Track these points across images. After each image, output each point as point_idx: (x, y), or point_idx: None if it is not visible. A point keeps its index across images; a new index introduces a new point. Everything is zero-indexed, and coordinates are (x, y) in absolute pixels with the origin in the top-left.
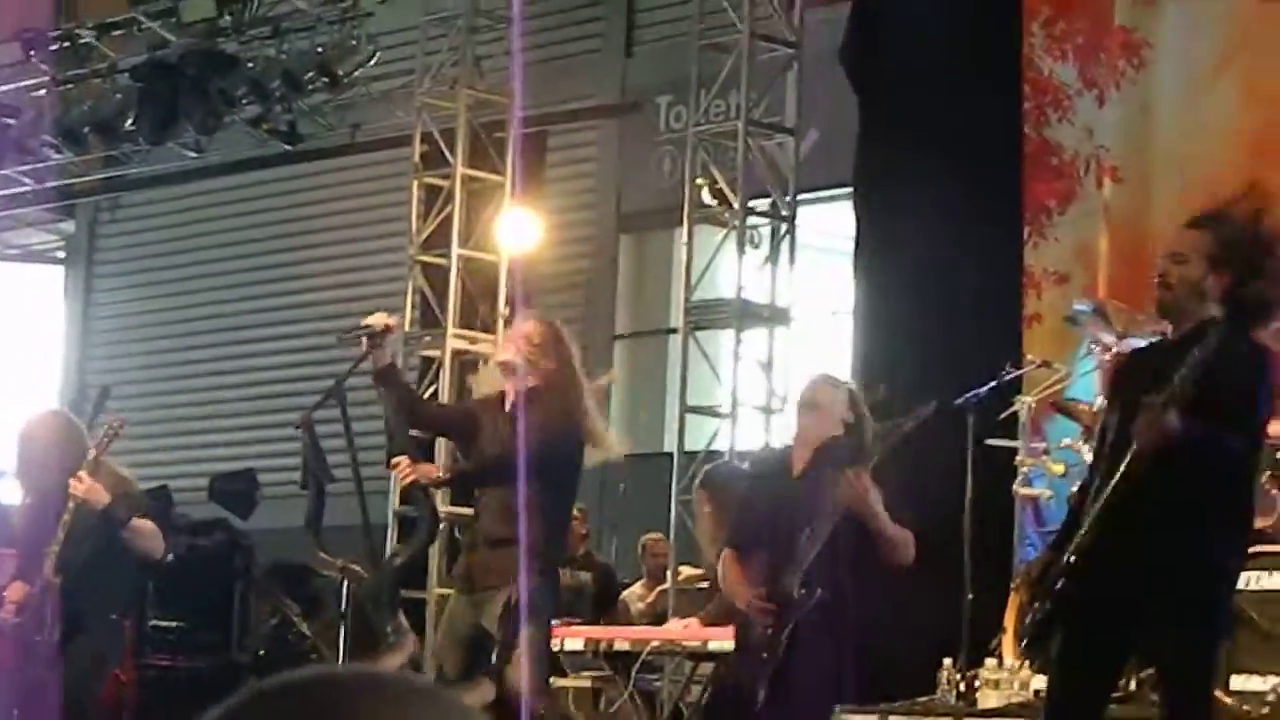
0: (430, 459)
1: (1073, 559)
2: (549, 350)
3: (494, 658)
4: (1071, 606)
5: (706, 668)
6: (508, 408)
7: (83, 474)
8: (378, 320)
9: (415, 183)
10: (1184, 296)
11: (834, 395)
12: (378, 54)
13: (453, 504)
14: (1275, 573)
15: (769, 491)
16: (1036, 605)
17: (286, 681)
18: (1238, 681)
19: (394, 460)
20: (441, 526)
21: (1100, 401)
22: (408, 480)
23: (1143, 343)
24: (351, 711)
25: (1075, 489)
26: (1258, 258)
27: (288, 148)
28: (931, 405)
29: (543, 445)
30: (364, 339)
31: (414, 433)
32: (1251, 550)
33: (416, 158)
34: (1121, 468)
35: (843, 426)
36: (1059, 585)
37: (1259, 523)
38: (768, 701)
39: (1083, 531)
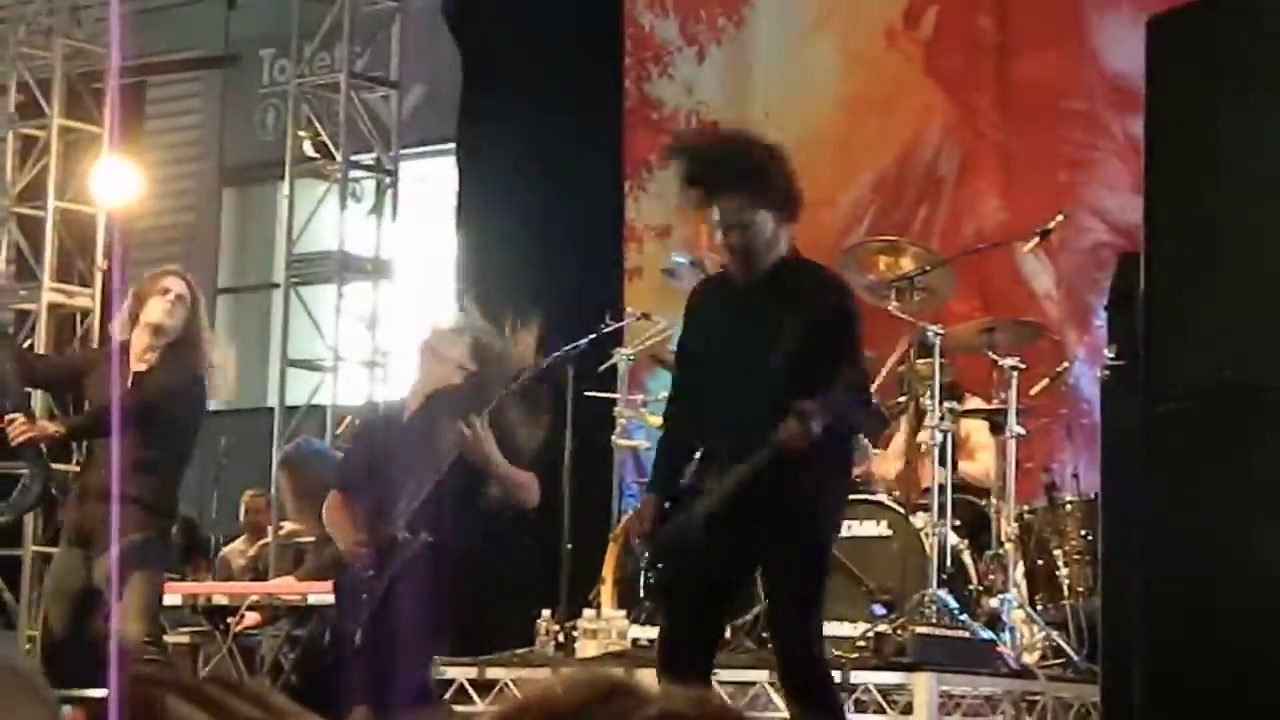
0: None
1: (693, 512)
2: (191, 307)
3: (103, 612)
4: (689, 552)
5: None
6: (134, 361)
7: None
8: None
9: (10, 133)
10: (763, 255)
11: (454, 343)
12: None
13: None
14: (866, 521)
15: (377, 436)
16: (652, 556)
17: None
18: (830, 627)
19: (8, 417)
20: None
21: None
22: (25, 437)
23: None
24: None
25: (662, 422)
26: (788, 178)
27: None
28: (549, 357)
29: (168, 400)
30: None
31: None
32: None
33: (12, 108)
34: (753, 458)
35: (461, 375)
36: (674, 535)
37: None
38: (365, 645)
39: (706, 493)
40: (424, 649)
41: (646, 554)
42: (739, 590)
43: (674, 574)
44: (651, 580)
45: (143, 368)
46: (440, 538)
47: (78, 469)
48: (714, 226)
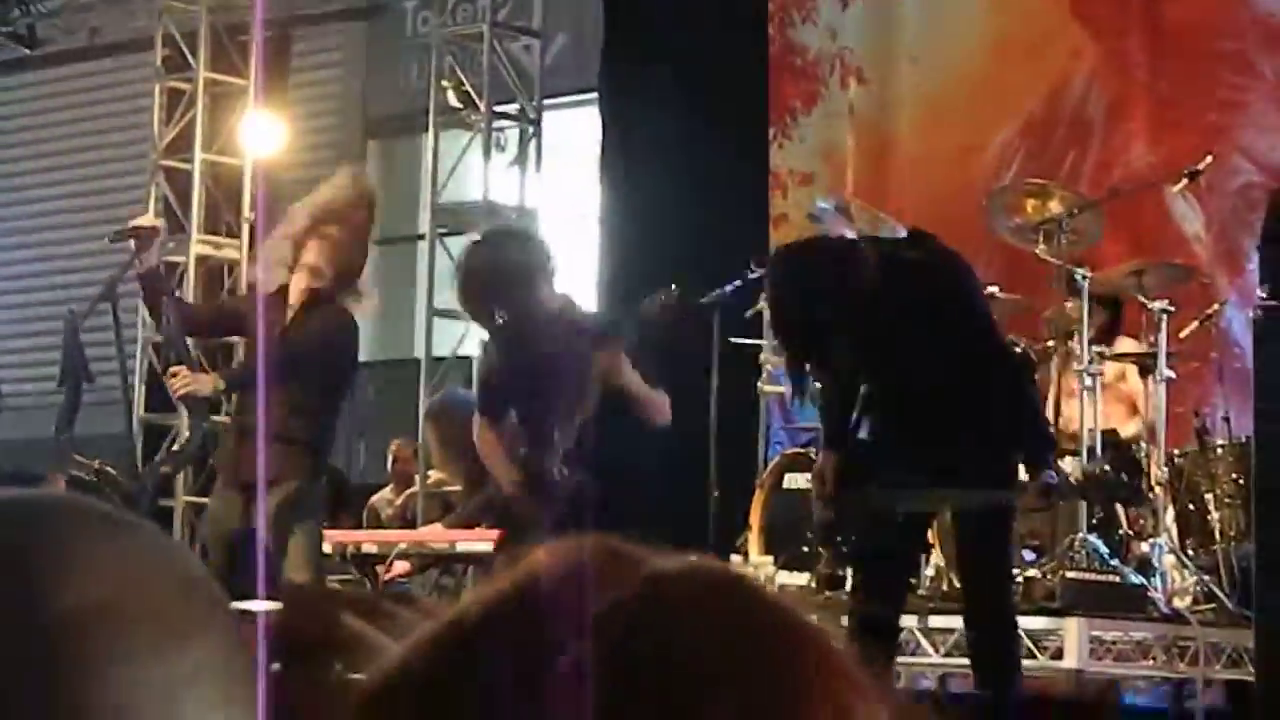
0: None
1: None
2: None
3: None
4: (871, 500)
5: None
6: (291, 303)
7: None
8: (146, 220)
9: (157, 87)
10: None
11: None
12: None
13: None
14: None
15: (515, 359)
16: (838, 523)
17: None
18: None
19: (171, 369)
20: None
21: None
22: (186, 390)
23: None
24: (47, 537)
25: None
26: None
27: (27, 52)
28: (675, 290)
29: (317, 345)
30: (133, 239)
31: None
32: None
33: (158, 61)
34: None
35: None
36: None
37: None
38: None
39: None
40: None
41: (831, 518)
42: (926, 549)
43: (863, 546)
44: (844, 549)
45: (297, 312)
46: (599, 476)
47: (229, 418)
48: None
